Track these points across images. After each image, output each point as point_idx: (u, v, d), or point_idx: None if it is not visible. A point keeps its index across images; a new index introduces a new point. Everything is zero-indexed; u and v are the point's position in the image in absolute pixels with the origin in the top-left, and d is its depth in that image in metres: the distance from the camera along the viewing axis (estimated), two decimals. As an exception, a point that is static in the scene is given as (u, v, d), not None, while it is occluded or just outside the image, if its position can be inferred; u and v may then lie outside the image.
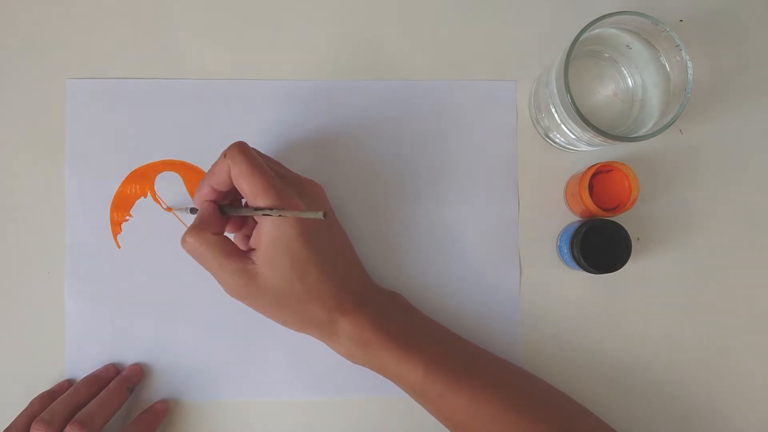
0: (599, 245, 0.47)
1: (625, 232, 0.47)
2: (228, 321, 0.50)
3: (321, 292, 0.43)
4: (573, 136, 0.46)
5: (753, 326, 0.51)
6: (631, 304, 0.51)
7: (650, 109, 0.45)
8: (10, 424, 0.45)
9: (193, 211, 0.48)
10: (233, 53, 0.51)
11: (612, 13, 0.42)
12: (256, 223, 0.42)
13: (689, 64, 0.42)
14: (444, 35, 0.52)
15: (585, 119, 0.42)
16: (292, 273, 0.41)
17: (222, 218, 0.44)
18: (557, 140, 0.49)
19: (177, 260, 0.50)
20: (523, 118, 0.51)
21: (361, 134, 0.51)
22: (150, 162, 0.51)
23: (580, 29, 0.42)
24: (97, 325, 0.50)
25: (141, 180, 0.50)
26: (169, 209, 0.50)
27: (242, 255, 0.42)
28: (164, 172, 0.51)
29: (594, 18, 0.42)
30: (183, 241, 0.42)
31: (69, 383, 0.49)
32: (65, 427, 0.43)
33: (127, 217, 0.50)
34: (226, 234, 0.44)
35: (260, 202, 0.40)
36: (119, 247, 0.50)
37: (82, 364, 0.49)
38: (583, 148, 0.49)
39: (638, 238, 0.51)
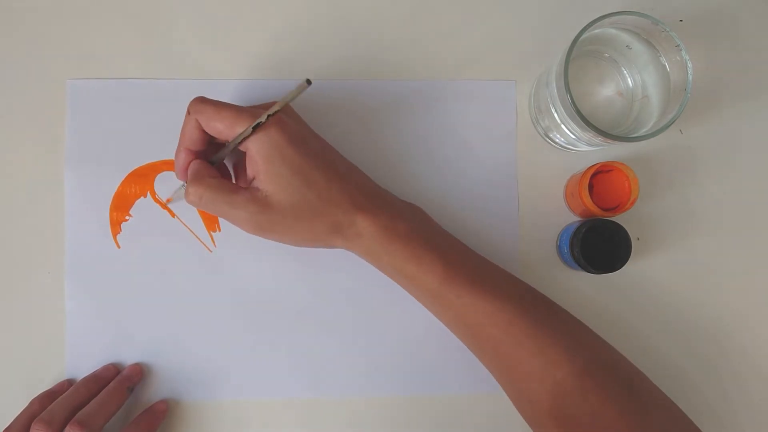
0: (599, 245, 0.47)
1: (625, 232, 0.47)
2: (228, 321, 0.50)
3: (332, 194, 0.43)
4: (573, 136, 0.46)
5: (753, 326, 0.51)
6: (631, 304, 0.51)
7: (650, 109, 0.46)
8: (10, 424, 0.45)
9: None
10: (233, 53, 0.51)
11: (612, 13, 0.42)
12: (245, 169, 0.43)
13: (689, 64, 0.42)
14: (444, 35, 0.52)
15: (585, 119, 0.42)
16: (297, 182, 0.42)
17: (213, 167, 0.45)
18: (557, 140, 0.49)
19: (177, 260, 0.50)
20: (523, 118, 0.51)
21: (360, 134, 0.51)
22: (150, 162, 0.51)
23: (580, 29, 0.42)
24: (97, 325, 0.50)
25: (141, 180, 0.50)
26: (169, 200, 0.50)
27: (246, 188, 0.43)
28: (164, 172, 0.51)
29: (594, 18, 0.42)
30: (187, 194, 0.43)
31: (69, 383, 0.49)
32: (65, 427, 0.43)
33: (127, 217, 0.50)
34: None
35: (237, 129, 0.42)
36: (119, 247, 0.50)
37: (82, 364, 0.49)
38: (583, 148, 0.49)
39: (638, 238, 0.51)
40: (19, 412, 0.46)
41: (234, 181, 0.47)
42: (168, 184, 0.50)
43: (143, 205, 0.50)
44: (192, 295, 0.50)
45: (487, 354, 0.45)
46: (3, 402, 0.49)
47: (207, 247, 0.50)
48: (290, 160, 0.42)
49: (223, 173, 0.47)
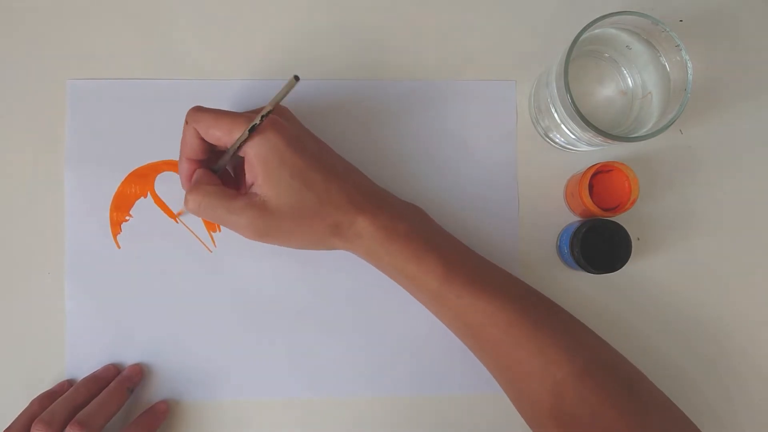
0: (599, 245, 0.47)
1: (625, 232, 0.47)
2: (228, 321, 0.50)
3: (331, 195, 0.43)
4: (573, 136, 0.46)
5: (753, 326, 0.51)
6: (631, 304, 0.51)
7: (650, 109, 0.46)
8: (10, 425, 0.45)
9: None
10: (233, 53, 0.51)
11: (612, 13, 0.42)
12: (244, 174, 0.43)
13: (689, 64, 0.42)
14: (444, 35, 0.52)
15: (585, 119, 0.42)
16: (296, 184, 0.42)
17: (215, 175, 0.45)
18: (557, 140, 0.49)
19: (177, 260, 0.50)
20: (523, 118, 0.51)
21: (360, 134, 0.51)
22: (150, 162, 0.51)
23: (580, 29, 0.42)
24: (97, 325, 0.50)
25: (141, 180, 0.50)
26: (180, 212, 0.50)
27: (245, 193, 0.43)
28: (164, 172, 0.51)
29: (594, 18, 0.42)
30: (186, 201, 0.43)
31: (69, 383, 0.49)
32: (65, 427, 0.43)
33: (127, 218, 0.50)
34: None
35: (235, 134, 0.42)
36: (119, 247, 0.50)
37: (82, 364, 0.49)
38: (583, 148, 0.49)
39: (638, 238, 0.51)
40: (19, 413, 0.46)
41: (238, 189, 0.47)
42: (168, 184, 0.50)
43: (143, 205, 0.50)
44: (192, 295, 0.50)
45: (488, 354, 0.45)
46: (3, 402, 0.49)
47: (207, 247, 0.50)
48: (288, 163, 0.42)
49: (228, 181, 0.48)
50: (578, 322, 0.45)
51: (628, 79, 0.47)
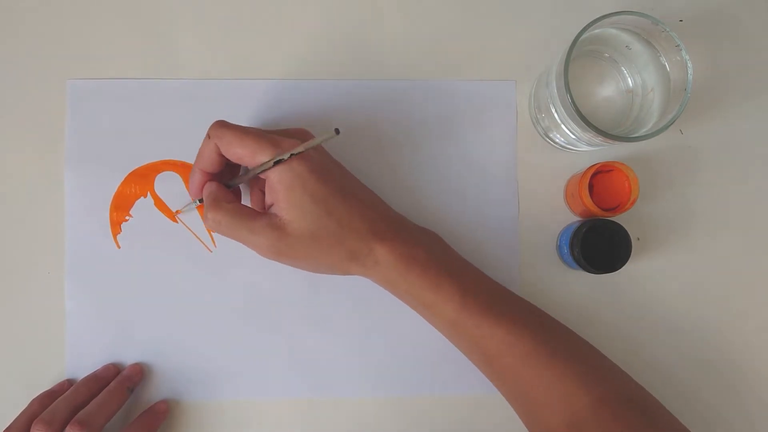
0: (599, 245, 0.47)
1: (625, 232, 0.47)
2: (228, 321, 0.50)
3: (352, 222, 0.43)
4: (573, 136, 0.46)
5: (753, 326, 0.51)
6: (631, 304, 0.51)
7: (650, 109, 0.45)
8: (10, 424, 0.45)
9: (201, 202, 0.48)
10: (233, 53, 0.51)
11: (612, 13, 0.42)
12: (261, 193, 0.44)
13: (689, 64, 0.42)
14: (444, 35, 0.52)
15: (585, 119, 0.42)
16: (318, 210, 0.42)
17: (229, 191, 0.45)
18: (557, 140, 0.49)
19: (177, 260, 0.50)
20: (523, 118, 0.51)
21: (361, 134, 0.51)
22: (150, 162, 0.51)
23: (580, 29, 0.42)
24: (97, 325, 0.50)
25: (141, 180, 0.50)
26: (178, 211, 0.50)
27: (264, 213, 0.43)
28: (164, 172, 0.51)
29: (594, 18, 0.42)
30: (205, 219, 0.43)
31: (69, 383, 0.49)
32: (65, 427, 0.43)
33: (127, 217, 0.50)
34: None
35: (259, 158, 0.42)
36: (119, 247, 0.50)
37: (82, 364, 0.49)
38: (583, 148, 0.49)
39: (638, 238, 0.51)
40: (19, 412, 0.46)
41: (249, 200, 0.47)
42: (168, 184, 0.50)
43: (143, 205, 0.50)
44: (192, 295, 0.50)
45: (504, 382, 0.45)
46: (3, 402, 0.49)
47: (207, 247, 0.50)
48: (311, 190, 0.42)
49: (238, 194, 0.48)
50: (593, 348, 0.46)
51: (628, 79, 0.47)
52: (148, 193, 0.50)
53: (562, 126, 0.46)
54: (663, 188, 0.51)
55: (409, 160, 0.51)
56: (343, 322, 0.50)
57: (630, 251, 0.47)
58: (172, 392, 0.50)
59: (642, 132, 0.43)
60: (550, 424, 0.42)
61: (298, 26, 0.51)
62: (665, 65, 0.44)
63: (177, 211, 0.50)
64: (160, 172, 0.51)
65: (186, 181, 0.50)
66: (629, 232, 0.47)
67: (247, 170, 0.44)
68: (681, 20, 0.52)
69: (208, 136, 0.44)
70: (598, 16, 0.42)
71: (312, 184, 0.42)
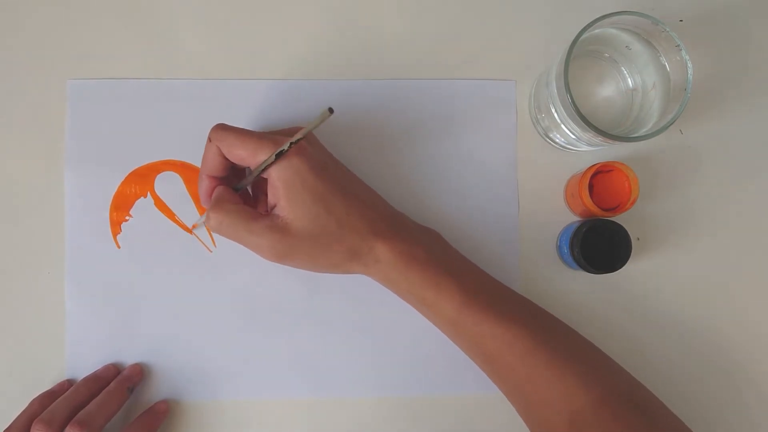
0: (599, 245, 0.47)
1: (625, 232, 0.47)
2: (228, 321, 0.50)
3: (352, 220, 0.43)
4: (573, 136, 0.46)
5: (753, 326, 0.51)
6: (631, 304, 0.51)
7: (650, 109, 0.46)
8: (10, 425, 0.45)
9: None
10: (233, 53, 0.51)
11: (612, 13, 0.42)
12: (265, 195, 0.44)
13: (689, 64, 0.42)
14: (444, 35, 0.52)
15: (585, 119, 0.42)
16: (318, 208, 0.42)
17: (236, 194, 0.45)
18: (557, 140, 0.49)
19: (177, 260, 0.50)
20: (523, 118, 0.52)
21: (360, 134, 0.51)
22: (150, 162, 0.51)
23: (580, 29, 0.42)
24: (97, 325, 0.50)
25: (141, 180, 0.50)
26: (194, 225, 0.50)
27: (267, 215, 0.43)
28: (164, 172, 0.51)
29: (594, 18, 0.42)
30: (207, 219, 0.43)
31: (69, 383, 0.49)
32: (65, 427, 0.43)
33: (127, 218, 0.50)
34: None
35: (260, 157, 0.42)
36: (119, 247, 0.50)
37: (82, 364, 0.49)
38: (583, 148, 0.49)
39: (638, 238, 0.51)
40: (19, 412, 0.46)
41: (256, 206, 0.47)
42: (168, 184, 0.50)
43: (143, 205, 0.50)
44: (192, 295, 0.50)
45: (504, 380, 0.45)
46: (3, 402, 0.49)
47: (207, 247, 0.50)
48: (311, 187, 0.42)
49: (246, 199, 0.48)
50: (594, 347, 0.46)
51: (628, 79, 0.47)
52: (148, 193, 0.50)
53: (562, 126, 0.46)
54: (663, 188, 0.51)
55: (409, 160, 0.51)
56: (343, 322, 0.50)
57: (630, 251, 0.47)
58: (172, 392, 0.50)
59: (642, 132, 0.43)
60: (551, 423, 0.42)
61: (298, 26, 0.51)
62: (665, 65, 0.44)
63: (193, 225, 0.50)
64: (160, 172, 0.51)
65: (186, 181, 0.50)
66: (629, 232, 0.47)
67: (251, 172, 0.44)
68: (681, 20, 0.52)
69: (209, 139, 0.44)
70: (598, 16, 0.42)
71: (311, 181, 0.42)
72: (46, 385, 0.49)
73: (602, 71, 0.48)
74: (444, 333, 0.46)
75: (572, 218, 0.51)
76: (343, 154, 0.49)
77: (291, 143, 0.41)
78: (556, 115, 0.46)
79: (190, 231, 0.50)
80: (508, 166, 0.51)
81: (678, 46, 0.43)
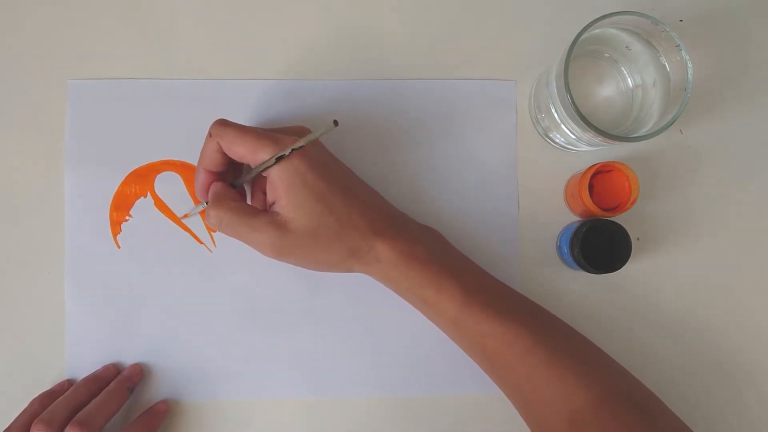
0: (599, 245, 0.47)
1: (625, 232, 0.47)
2: (228, 321, 0.50)
3: (352, 218, 0.43)
4: (573, 136, 0.46)
5: (753, 326, 0.51)
6: (631, 304, 0.51)
7: (650, 109, 0.46)
8: (10, 424, 0.45)
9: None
10: (233, 53, 0.51)
11: (612, 13, 0.42)
12: (263, 193, 0.44)
13: (689, 64, 0.42)
14: (443, 35, 0.52)
15: (585, 119, 0.42)
16: (319, 207, 0.42)
17: (234, 190, 0.45)
18: (557, 140, 0.49)
19: (177, 260, 0.50)
20: (523, 118, 0.52)
21: (360, 134, 0.51)
22: (150, 162, 0.51)
23: (580, 29, 0.42)
24: (97, 325, 0.50)
25: (141, 180, 0.50)
26: (186, 215, 0.50)
27: (266, 212, 0.43)
28: (164, 172, 0.51)
29: (594, 18, 0.42)
30: (207, 216, 0.44)
31: (69, 383, 0.49)
32: (65, 427, 0.43)
33: (127, 217, 0.50)
34: None
35: (260, 156, 0.42)
36: (119, 247, 0.50)
37: (82, 364, 0.49)
38: (583, 148, 0.49)
39: (638, 238, 0.51)
40: (19, 412, 0.46)
41: (250, 200, 0.48)
42: (168, 184, 0.50)
43: (143, 205, 0.50)
44: (192, 295, 0.50)
45: (504, 379, 0.45)
46: (3, 402, 0.49)
47: (207, 248, 0.50)
48: (311, 187, 0.42)
49: (241, 192, 0.48)
50: (594, 346, 0.46)
51: (628, 79, 0.47)
52: (148, 193, 0.50)
53: (562, 126, 0.46)
54: (663, 188, 0.51)
55: (409, 160, 0.51)
56: (343, 322, 0.50)
57: (630, 251, 0.47)
58: (172, 392, 0.50)
59: (642, 132, 0.43)
60: (550, 422, 0.42)
61: (298, 26, 0.51)
62: (665, 65, 0.44)
63: (185, 215, 0.50)
64: (160, 172, 0.51)
65: (186, 181, 0.50)
66: (629, 232, 0.47)
67: (249, 169, 0.44)
68: (681, 20, 0.52)
69: (210, 134, 0.44)
70: (598, 16, 0.42)
71: (312, 180, 0.42)
72: (46, 385, 0.49)
73: (602, 71, 0.48)
74: (444, 332, 0.46)
75: (572, 218, 0.51)
76: (343, 154, 0.49)
77: (293, 149, 0.41)
78: (556, 115, 0.46)
79: (190, 232, 0.50)
80: (508, 166, 0.51)
81: (678, 46, 0.43)
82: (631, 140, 0.43)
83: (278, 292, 0.50)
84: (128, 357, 0.50)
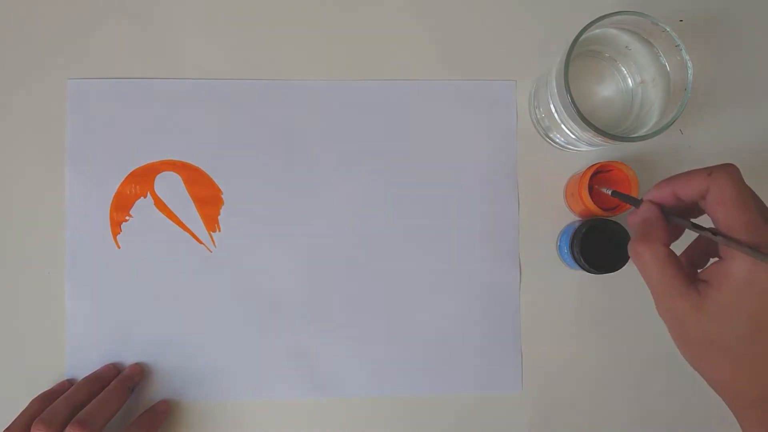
0: (599, 245, 0.47)
1: (625, 232, 0.47)
2: (228, 321, 0.50)
3: (764, 365, 0.35)
4: (573, 136, 0.46)
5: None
6: (631, 304, 0.51)
7: (650, 109, 0.45)
8: (10, 424, 0.45)
9: (629, 199, 0.41)
10: (233, 53, 0.51)
11: (612, 13, 0.42)
12: (705, 250, 0.39)
13: (689, 64, 0.42)
14: (444, 35, 0.52)
15: (585, 119, 0.42)
16: (745, 330, 0.34)
17: (668, 227, 0.38)
18: (557, 140, 0.49)
19: (177, 260, 0.50)
20: (523, 118, 0.52)
21: (361, 134, 0.51)
22: (150, 162, 0.51)
23: (580, 29, 0.42)
24: (97, 325, 0.50)
25: (141, 180, 0.50)
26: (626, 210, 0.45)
27: (691, 281, 0.36)
28: (164, 172, 0.51)
29: (594, 18, 0.42)
30: (632, 247, 0.37)
31: (69, 383, 0.49)
32: (66, 427, 0.43)
33: (127, 218, 0.50)
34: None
35: (735, 237, 0.35)
36: (119, 247, 0.50)
37: (82, 364, 0.49)
38: (583, 148, 0.49)
39: (638, 238, 0.51)
40: (19, 413, 0.46)
41: (674, 238, 0.39)
42: (168, 184, 0.50)
43: (143, 206, 0.50)
44: (192, 295, 0.50)
45: None
46: (3, 402, 0.49)
47: (207, 248, 0.50)
48: (755, 310, 0.34)
49: (677, 231, 0.40)
50: None
51: (628, 79, 0.47)
52: (148, 193, 0.50)
53: (562, 126, 0.46)
54: (663, 188, 0.51)
55: (409, 159, 0.51)
56: (343, 323, 0.50)
57: (630, 251, 0.47)
58: (172, 392, 0.50)
59: (642, 132, 0.43)
60: None
61: (299, 27, 0.51)
62: (665, 65, 0.44)
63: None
64: (160, 172, 0.51)
65: (186, 181, 0.50)
66: (629, 232, 0.47)
67: (698, 226, 0.37)
68: (681, 20, 0.52)
69: (710, 173, 0.37)
70: (598, 16, 0.42)
71: (764, 302, 0.34)
72: (46, 385, 0.49)
73: (602, 71, 0.48)
74: None
75: (572, 218, 0.51)
76: (342, 154, 0.49)
77: (755, 250, 0.33)
78: (556, 115, 0.46)
79: (190, 232, 0.50)
80: (508, 166, 0.51)
81: (678, 46, 0.43)
82: (631, 140, 0.42)
83: (278, 293, 0.50)
84: (128, 357, 0.50)
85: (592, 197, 0.47)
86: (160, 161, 0.51)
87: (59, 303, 0.50)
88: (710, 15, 0.52)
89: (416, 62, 0.51)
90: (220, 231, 0.50)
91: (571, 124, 0.44)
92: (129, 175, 0.50)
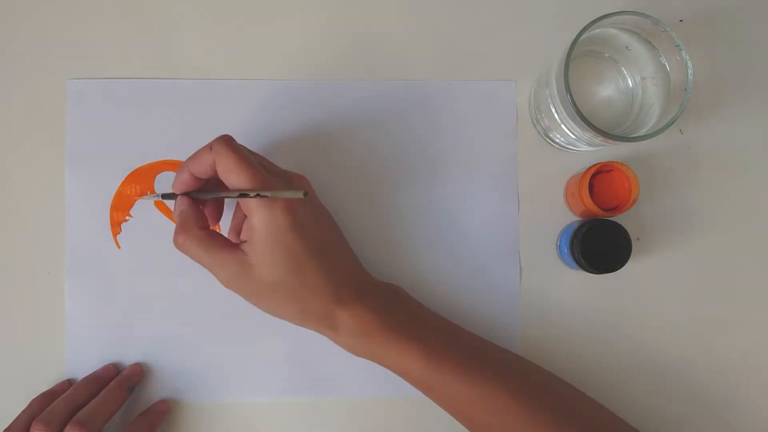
0: (599, 245, 0.47)
1: (625, 232, 0.47)
2: (228, 321, 0.50)
3: (318, 285, 0.43)
4: (573, 136, 0.46)
5: (754, 326, 0.51)
6: (631, 304, 0.51)
7: (650, 109, 0.46)
8: (10, 424, 0.45)
9: (165, 196, 0.47)
10: (233, 53, 0.51)
11: (612, 13, 0.42)
12: (245, 216, 0.42)
13: (689, 64, 0.42)
14: (444, 35, 0.52)
15: (585, 119, 0.42)
16: (288, 266, 0.41)
17: (202, 212, 0.44)
18: (557, 140, 0.49)
19: (177, 260, 0.50)
20: (523, 118, 0.52)
21: (361, 134, 0.51)
22: (150, 162, 0.51)
23: (580, 29, 0.42)
24: (97, 325, 0.50)
25: (141, 180, 0.50)
26: (140, 196, 0.50)
27: (234, 247, 0.42)
28: (164, 172, 0.51)
29: (594, 18, 0.42)
30: (174, 239, 0.43)
31: (69, 383, 0.49)
32: (65, 427, 0.43)
33: (127, 218, 0.50)
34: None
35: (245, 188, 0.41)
36: (119, 247, 0.50)
37: (82, 364, 0.49)
38: (583, 148, 0.49)
39: (638, 238, 0.51)
40: (19, 412, 0.46)
41: (217, 218, 0.47)
42: (168, 184, 0.50)
43: (143, 206, 0.50)
44: (192, 296, 0.50)
45: None
46: (3, 402, 0.49)
47: (207, 247, 0.50)
48: (287, 246, 0.41)
49: (215, 207, 0.47)
50: (576, 392, 0.45)
51: (628, 79, 0.47)
52: (148, 194, 0.50)
53: (562, 126, 0.46)
54: (663, 188, 0.51)
55: (409, 160, 0.51)
56: (343, 322, 0.50)
57: (630, 251, 0.47)
58: (172, 392, 0.50)
59: (642, 132, 0.43)
60: None
61: (299, 26, 0.51)
62: (665, 65, 0.44)
63: (141, 197, 0.50)
64: (160, 172, 0.51)
65: (186, 181, 0.51)
66: (629, 232, 0.47)
67: (227, 192, 0.43)
68: (681, 20, 0.52)
69: (210, 147, 0.41)
70: (598, 16, 0.42)
71: (289, 239, 0.41)
72: (46, 385, 0.49)
73: (602, 71, 0.48)
74: (421, 392, 0.46)
75: (572, 218, 0.51)
76: (342, 154, 0.49)
77: (257, 194, 0.40)
78: (556, 115, 0.46)
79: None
80: (508, 166, 0.51)
81: (678, 46, 0.43)
82: (631, 140, 0.42)
83: (278, 292, 0.50)
84: (128, 357, 0.50)
85: (592, 197, 0.47)
86: (160, 161, 0.51)
87: (59, 303, 0.50)
88: (710, 15, 0.52)
89: (416, 62, 0.51)
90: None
91: (571, 124, 0.44)
92: (129, 175, 0.50)
